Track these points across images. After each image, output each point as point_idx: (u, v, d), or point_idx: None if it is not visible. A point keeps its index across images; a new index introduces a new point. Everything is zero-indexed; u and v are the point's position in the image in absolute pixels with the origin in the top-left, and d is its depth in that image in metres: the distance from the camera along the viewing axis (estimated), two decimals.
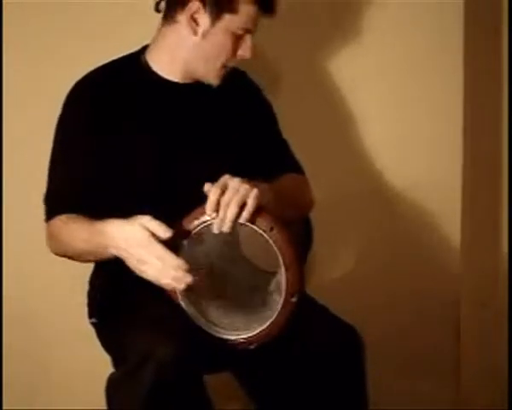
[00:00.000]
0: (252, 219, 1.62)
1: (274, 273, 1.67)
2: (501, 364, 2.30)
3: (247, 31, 1.79)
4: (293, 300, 1.65)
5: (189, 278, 1.60)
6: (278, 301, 1.66)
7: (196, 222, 1.65)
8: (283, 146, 1.97)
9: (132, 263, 1.64)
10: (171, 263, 1.60)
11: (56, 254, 1.83)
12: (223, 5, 1.75)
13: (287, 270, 1.64)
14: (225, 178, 1.64)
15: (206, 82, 1.84)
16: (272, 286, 1.68)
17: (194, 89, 1.86)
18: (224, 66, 1.82)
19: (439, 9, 2.24)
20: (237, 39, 1.79)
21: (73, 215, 1.75)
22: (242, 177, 1.65)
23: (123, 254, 1.65)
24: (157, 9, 1.85)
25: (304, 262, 1.83)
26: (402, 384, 2.34)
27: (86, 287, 1.92)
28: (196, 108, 1.86)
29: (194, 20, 1.77)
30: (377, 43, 2.25)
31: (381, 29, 2.24)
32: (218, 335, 1.70)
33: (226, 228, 1.61)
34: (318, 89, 2.26)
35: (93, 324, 1.88)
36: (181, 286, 1.61)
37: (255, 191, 1.61)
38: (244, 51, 1.80)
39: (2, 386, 2.17)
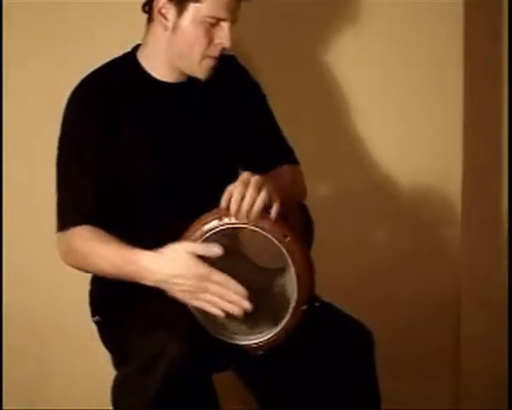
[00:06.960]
0: (266, 227, 1.60)
1: (276, 271, 1.65)
2: (501, 364, 2.30)
3: (221, 19, 1.74)
4: (303, 308, 1.64)
5: (247, 305, 1.60)
6: (287, 308, 1.64)
7: (207, 227, 1.62)
8: (277, 134, 1.94)
9: (184, 294, 1.63)
10: (234, 289, 1.60)
11: (72, 266, 1.79)
12: None
13: (298, 278, 1.62)
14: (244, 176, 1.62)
15: (195, 76, 1.80)
16: (278, 288, 1.66)
17: (184, 86, 1.83)
18: (206, 57, 1.77)
19: (438, 7, 2.25)
20: (212, 29, 1.74)
21: (98, 231, 1.72)
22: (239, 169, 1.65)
23: (170, 288, 1.64)
24: (144, 10, 1.82)
25: None
26: (402, 384, 2.33)
27: (88, 286, 1.91)
28: (189, 105, 1.84)
29: (162, 15, 1.75)
30: (377, 41, 2.25)
31: (381, 26, 2.25)
32: (224, 339, 1.68)
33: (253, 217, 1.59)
34: (319, 87, 2.26)
35: (96, 322, 1.87)
36: (238, 312, 1.60)
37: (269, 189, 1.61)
38: (221, 39, 1.75)
39: (2, 386, 2.16)
